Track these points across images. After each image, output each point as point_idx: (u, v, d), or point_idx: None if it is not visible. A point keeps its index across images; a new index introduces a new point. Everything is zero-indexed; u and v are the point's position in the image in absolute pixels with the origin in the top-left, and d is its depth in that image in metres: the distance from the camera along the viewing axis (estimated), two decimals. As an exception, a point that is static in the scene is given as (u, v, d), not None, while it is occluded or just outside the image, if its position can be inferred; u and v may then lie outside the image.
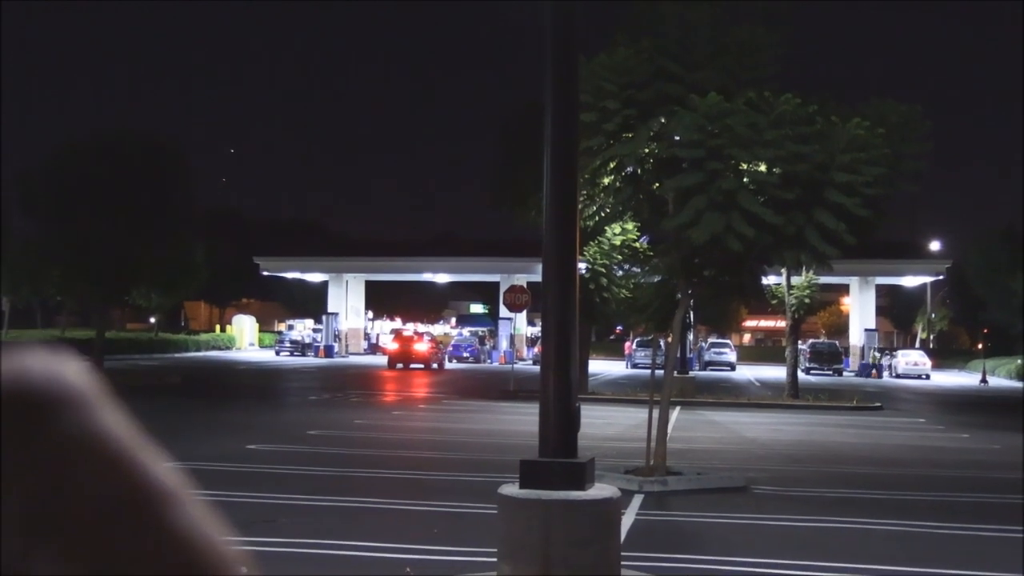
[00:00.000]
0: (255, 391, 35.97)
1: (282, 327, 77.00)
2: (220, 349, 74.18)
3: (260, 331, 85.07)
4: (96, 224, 38.93)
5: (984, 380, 59.91)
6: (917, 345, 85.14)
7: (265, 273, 72.87)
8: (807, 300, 37.49)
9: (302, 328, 72.01)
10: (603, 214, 17.03)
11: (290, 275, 76.34)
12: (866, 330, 65.34)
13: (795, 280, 36.80)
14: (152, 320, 75.23)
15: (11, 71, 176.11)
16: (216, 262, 61.53)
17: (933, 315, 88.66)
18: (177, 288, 47.56)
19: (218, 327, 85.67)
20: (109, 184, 38.35)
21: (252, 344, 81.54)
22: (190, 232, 44.00)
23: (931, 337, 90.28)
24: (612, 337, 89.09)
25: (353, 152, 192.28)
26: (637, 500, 13.44)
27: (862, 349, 64.84)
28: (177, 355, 64.20)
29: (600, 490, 6.51)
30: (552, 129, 6.76)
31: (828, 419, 29.26)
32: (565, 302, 6.68)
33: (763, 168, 14.07)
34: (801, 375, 43.03)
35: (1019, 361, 67.32)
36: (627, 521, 11.77)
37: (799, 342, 45.18)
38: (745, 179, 14.03)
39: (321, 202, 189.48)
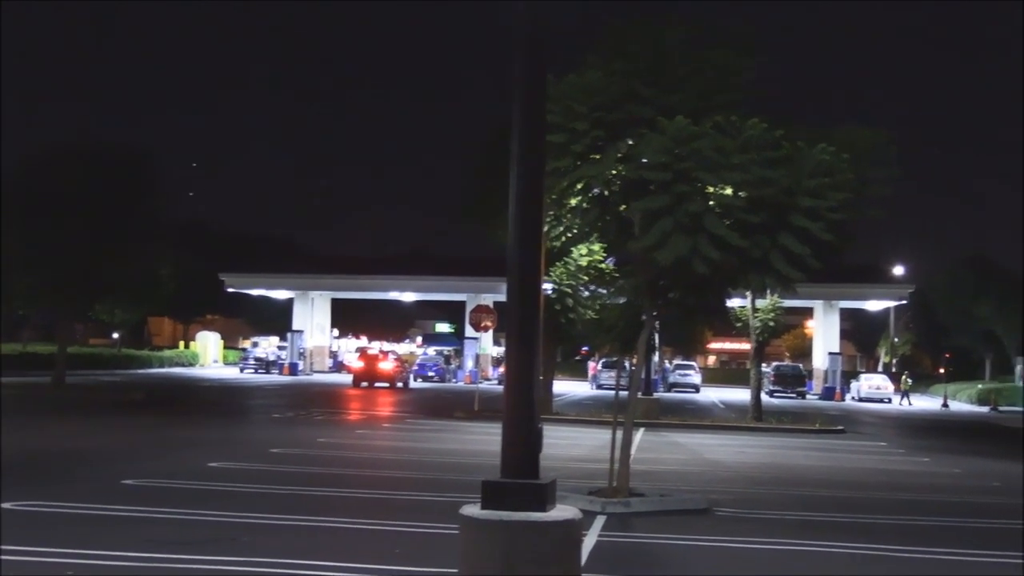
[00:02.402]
0: (218, 408, 35.72)
1: (247, 344, 76.60)
2: (184, 366, 73.71)
3: (224, 348, 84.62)
4: (61, 236, 38.65)
5: (946, 404, 60.38)
6: (880, 369, 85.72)
7: (230, 290, 72.54)
8: (771, 323, 37.67)
9: (267, 345, 71.68)
10: (570, 235, 17.04)
11: (255, 292, 76.04)
12: (830, 353, 65.73)
13: (760, 303, 36.99)
14: (115, 335, 74.66)
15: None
16: (181, 277, 61.26)
17: (896, 339, 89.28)
18: (142, 303, 47.25)
19: (182, 343, 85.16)
20: (75, 195, 38.09)
21: (216, 361, 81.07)
22: (157, 246, 43.72)
23: (894, 361, 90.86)
24: (578, 358, 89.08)
25: (322, 167, 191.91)
26: (600, 521, 13.42)
27: (825, 372, 65.18)
28: (140, 371, 63.72)
29: (561, 511, 6.48)
30: (519, 149, 6.75)
31: (791, 442, 29.38)
32: (529, 322, 6.67)
33: (729, 192, 14.13)
34: (765, 397, 43.25)
35: (979, 386, 67.94)
36: (589, 542, 11.75)
37: (763, 365, 45.43)
38: (712, 202, 14.07)
39: (288, 217, 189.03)
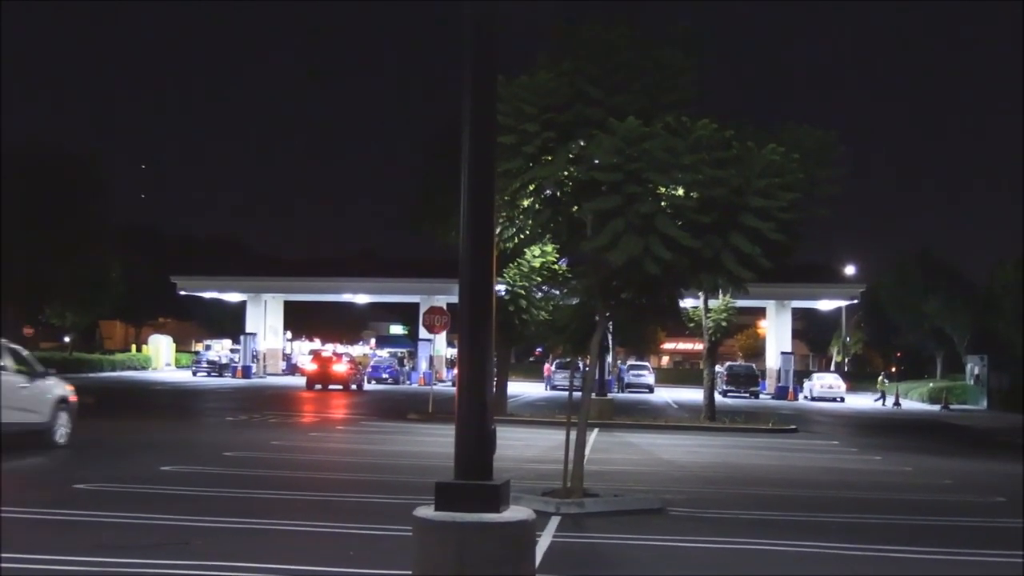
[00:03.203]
0: (171, 412, 35.44)
1: (199, 347, 75.99)
2: (136, 369, 72.98)
3: (177, 351, 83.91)
4: (6, 239, 38.21)
5: (897, 403, 60.97)
6: (832, 368, 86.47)
7: (182, 292, 71.99)
8: (724, 323, 37.89)
9: (220, 348, 71.14)
10: (522, 236, 17.02)
11: (208, 294, 75.53)
12: (782, 353, 66.23)
13: (712, 303, 37.19)
14: (67, 339, 73.89)
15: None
16: (132, 280, 60.71)
17: (848, 338, 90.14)
18: (91, 306, 46.81)
19: (134, 347, 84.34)
20: (19, 197, 37.66)
21: (169, 364, 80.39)
22: (104, 248, 43.33)
23: (845, 360, 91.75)
24: (532, 359, 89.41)
25: (270, 166, 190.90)
26: (554, 522, 13.44)
27: (778, 372, 65.64)
28: (92, 375, 62.94)
29: (515, 512, 6.49)
30: (470, 150, 6.76)
31: (744, 441, 29.56)
32: (481, 324, 6.68)
33: (680, 192, 14.21)
34: (718, 397, 43.48)
35: (931, 384, 68.66)
36: (544, 543, 11.76)
37: (716, 365, 45.69)
38: (663, 203, 14.14)
39: (237, 217, 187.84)
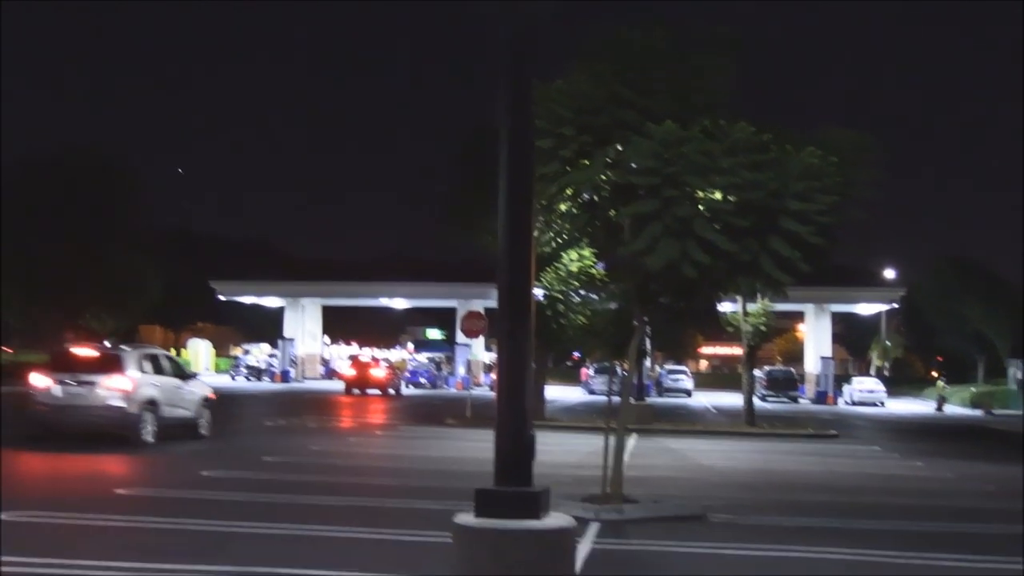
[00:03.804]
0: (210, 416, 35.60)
1: (238, 352, 76.38)
2: (175, 374, 73.27)
3: (216, 355, 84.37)
4: (46, 243, 38.57)
5: (939, 408, 60.35)
6: (872, 373, 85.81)
7: (221, 297, 72.39)
8: (763, 327, 37.67)
9: (258, 353, 71.49)
10: (560, 240, 17.04)
11: (246, 299, 75.90)
12: (822, 357, 65.79)
13: (751, 307, 36.98)
14: (106, 343, 74.39)
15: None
16: (170, 285, 61.06)
17: (888, 343, 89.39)
18: (129, 310, 47.03)
19: (173, 351, 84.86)
20: (58, 202, 38.01)
21: (207, 369, 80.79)
22: (142, 253, 43.61)
23: (886, 364, 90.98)
24: (569, 363, 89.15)
25: (301, 168, 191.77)
26: (593, 528, 13.37)
27: (818, 376, 65.18)
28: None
29: (556, 519, 6.45)
30: (507, 155, 6.72)
31: (784, 446, 29.37)
32: (520, 329, 6.64)
33: (718, 196, 14.11)
34: (757, 402, 43.20)
35: (973, 389, 67.88)
36: (583, 550, 11.70)
37: (755, 369, 45.41)
38: (700, 206, 14.05)
39: (272, 218, 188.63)
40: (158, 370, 23.94)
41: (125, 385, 22.35)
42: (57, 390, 22.30)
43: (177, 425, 24.01)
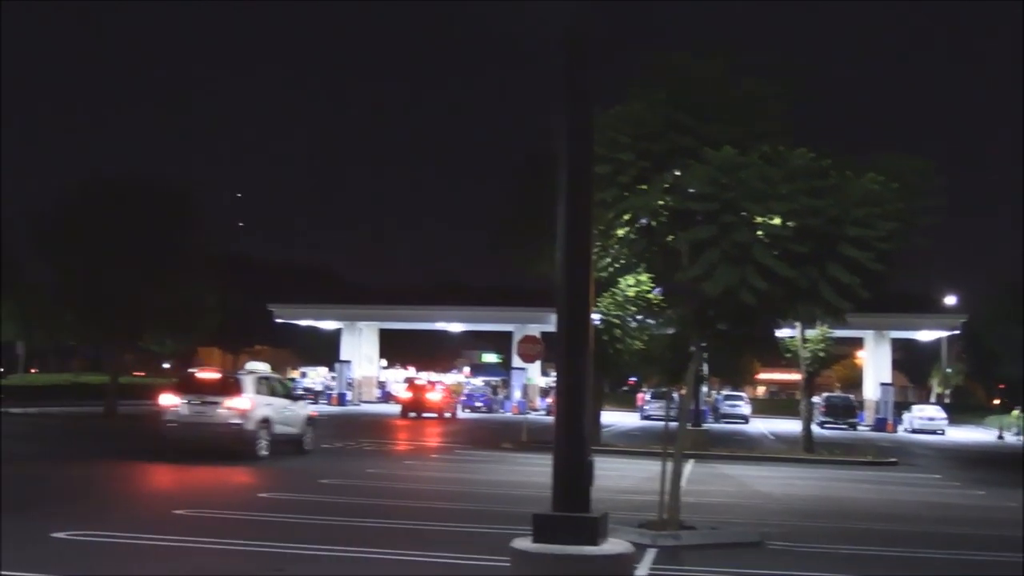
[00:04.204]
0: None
1: (295, 374, 76.91)
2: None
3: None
4: (107, 268, 39.14)
5: (1000, 436, 59.36)
6: (932, 400, 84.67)
7: (279, 320, 72.98)
8: (821, 353, 37.37)
9: (315, 375, 71.93)
10: (617, 266, 17.04)
11: (303, 322, 76.44)
12: (881, 384, 64.99)
13: (809, 333, 36.69)
14: (166, 366, 75.11)
15: (22, 109, 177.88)
16: (229, 308, 61.64)
17: (948, 370, 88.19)
18: (189, 333, 47.52)
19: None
20: (120, 227, 38.59)
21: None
22: (202, 277, 44.10)
23: (947, 392, 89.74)
24: (625, 388, 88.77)
25: (354, 193, 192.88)
26: (650, 555, 13.32)
27: (877, 403, 64.41)
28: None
29: (613, 545, 6.46)
30: (567, 181, 6.77)
31: (843, 474, 29.07)
32: (579, 355, 6.67)
33: (777, 221, 14.06)
34: (815, 429, 42.79)
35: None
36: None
37: (813, 395, 44.99)
38: (759, 232, 14.01)
39: (330, 245, 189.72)
40: (271, 392, 26.84)
41: (244, 405, 25.06)
42: (184, 409, 25.14)
43: (285, 441, 26.79)
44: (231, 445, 24.73)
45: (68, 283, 40.71)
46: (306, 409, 28.94)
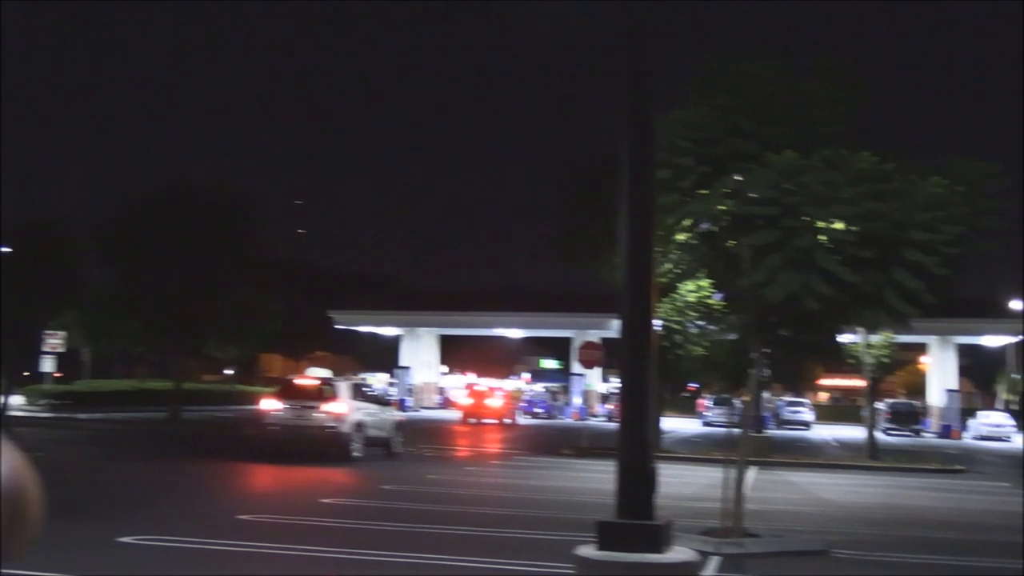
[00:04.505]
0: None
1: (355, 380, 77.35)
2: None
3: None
4: (170, 275, 39.64)
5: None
6: (999, 406, 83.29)
7: (339, 326, 73.40)
8: (885, 359, 36.93)
9: (375, 382, 72.31)
10: (677, 271, 16.95)
11: (362, 328, 76.86)
12: (947, 390, 64.09)
13: (873, 339, 36.28)
14: (229, 372, 75.87)
15: (84, 118, 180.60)
16: (290, 314, 62.18)
17: (1015, 375, 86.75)
18: (250, 340, 47.95)
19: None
20: (183, 235, 39.05)
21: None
22: (263, 284, 44.52)
23: (1013, 398, 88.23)
24: (686, 394, 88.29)
25: (410, 199, 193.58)
26: (714, 562, 13.23)
27: (942, 409, 63.54)
28: (252, 407, 64.54)
29: (679, 553, 6.42)
30: (629, 186, 6.74)
31: (909, 481, 28.68)
32: (641, 361, 6.64)
33: (839, 226, 13.91)
34: (880, 435, 42.29)
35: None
36: (702, 583, 11.59)
37: (877, 402, 44.48)
38: (821, 237, 13.87)
39: (390, 252, 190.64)
40: (364, 398, 28.74)
41: (341, 409, 26.53)
42: (284, 413, 26.69)
43: (377, 443, 28.25)
44: (327, 447, 26.12)
45: (131, 290, 41.22)
46: (395, 415, 30.76)
